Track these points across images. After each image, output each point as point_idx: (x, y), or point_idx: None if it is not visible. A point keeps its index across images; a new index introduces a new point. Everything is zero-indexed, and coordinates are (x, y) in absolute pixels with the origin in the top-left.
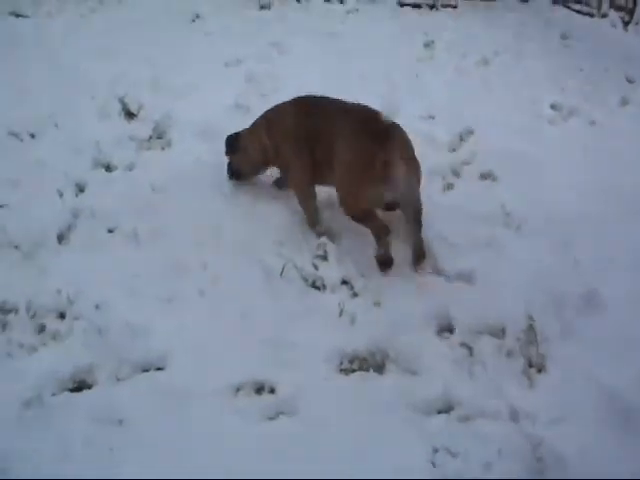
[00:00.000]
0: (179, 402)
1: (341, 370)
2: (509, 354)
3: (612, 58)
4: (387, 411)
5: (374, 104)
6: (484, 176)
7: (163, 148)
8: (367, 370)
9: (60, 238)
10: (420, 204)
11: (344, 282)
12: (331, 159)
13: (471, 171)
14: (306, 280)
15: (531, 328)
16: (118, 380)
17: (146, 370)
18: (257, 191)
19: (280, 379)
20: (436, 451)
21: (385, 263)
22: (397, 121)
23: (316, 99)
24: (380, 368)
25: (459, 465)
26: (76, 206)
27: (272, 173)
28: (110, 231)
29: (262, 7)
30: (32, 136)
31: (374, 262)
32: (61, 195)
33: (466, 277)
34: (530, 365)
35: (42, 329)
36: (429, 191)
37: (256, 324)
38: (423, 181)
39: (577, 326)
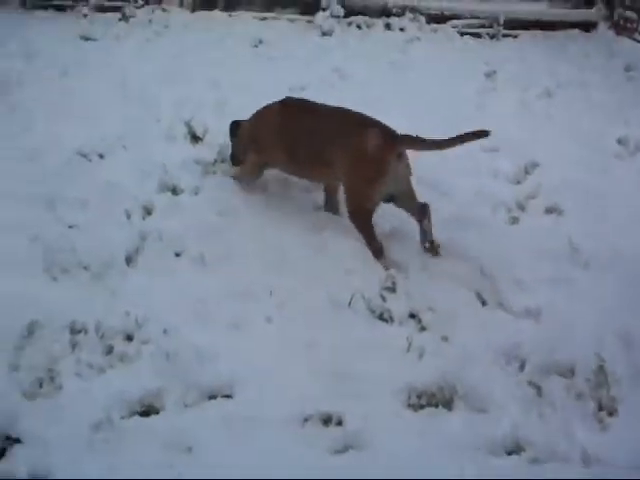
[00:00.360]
0: (247, 430)
1: (409, 405)
2: (579, 396)
3: None
4: (456, 449)
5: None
6: (549, 210)
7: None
8: (436, 406)
9: (128, 260)
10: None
11: (412, 315)
12: (320, 156)
13: (536, 205)
14: (373, 312)
15: (601, 369)
16: (186, 406)
17: (213, 396)
18: (325, 218)
19: (348, 411)
20: None
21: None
22: (460, 152)
23: (305, 101)
24: (448, 404)
25: None
26: (144, 229)
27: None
28: (177, 255)
29: (324, 33)
30: (101, 157)
31: (442, 296)
32: (129, 217)
33: (533, 314)
34: (600, 408)
35: (110, 350)
36: (494, 224)
37: (323, 354)
38: (488, 213)
39: None
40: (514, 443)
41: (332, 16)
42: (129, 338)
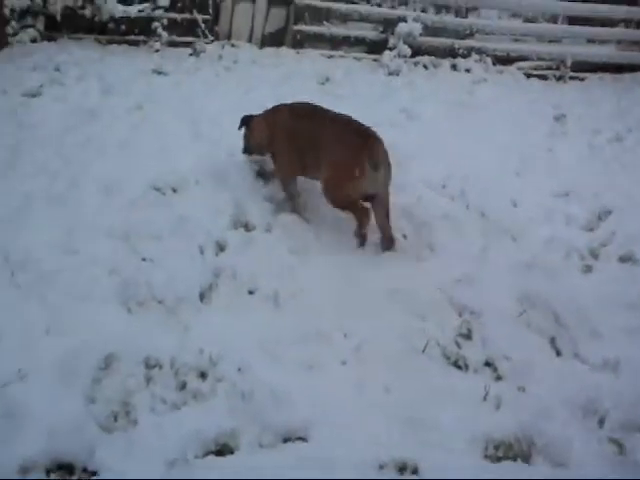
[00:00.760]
0: (322, 474)
1: (486, 456)
2: None
3: None
4: None
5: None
6: (624, 259)
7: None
8: (514, 459)
9: (202, 296)
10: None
11: (487, 363)
12: (319, 156)
13: (610, 253)
14: (448, 358)
15: None
16: (261, 447)
17: (288, 438)
18: (401, 260)
19: (423, 460)
20: None
21: (362, 239)
22: (532, 197)
23: (311, 105)
24: (527, 457)
25: None
26: (217, 265)
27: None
28: (250, 292)
29: (390, 73)
30: (174, 191)
31: (518, 344)
32: (202, 252)
33: (611, 366)
34: None
35: (183, 386)
36: (566, 272)
37: (398, 399)
38: (560, 261)
39: None
40: None
41: (399, 55)
42: (202, 375)
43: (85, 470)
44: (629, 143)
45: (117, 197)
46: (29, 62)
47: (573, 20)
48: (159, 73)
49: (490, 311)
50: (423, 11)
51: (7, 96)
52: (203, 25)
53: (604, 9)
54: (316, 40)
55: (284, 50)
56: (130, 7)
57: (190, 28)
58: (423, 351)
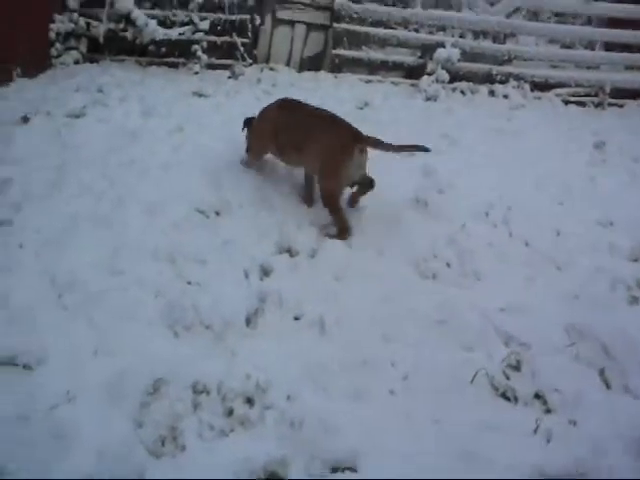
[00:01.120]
0: None
1: None
2: None
3: None
4: None
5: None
6: None
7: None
8: None
9: (248, 321)
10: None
11: (537, 395)
12: (303, 146)
13: None
14: (497, 389)
15: None
16: (310, 476)
17: (337, 468)
18: (445, 287)
19: None
20: None
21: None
22: (576, 227)
23: (297, 101)
24: None
25: None
26: (262, 289)
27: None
28: (296, 318)
29: (428, 98)
30: (217, 214)
31: (567, 376)
32: (247, 276)
33: None
34: None
35: (230, 412)
36: (613, 303)
37: (447, 432)
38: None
39: None
40: None
41: (437, 81)
42: (249, 401)
43: None
44: None
45: (161, 218)
46: (72, 83)
47: (610, 46)
48: (199, 95)
49: (538, 342)
50: (461, 37)
51: (51, 117)
52: (242, 48)
53: None
54: (354, 65)
55: (322, 74)
56: (171, 30)
57: (229, 51)
58: (471, 382)
